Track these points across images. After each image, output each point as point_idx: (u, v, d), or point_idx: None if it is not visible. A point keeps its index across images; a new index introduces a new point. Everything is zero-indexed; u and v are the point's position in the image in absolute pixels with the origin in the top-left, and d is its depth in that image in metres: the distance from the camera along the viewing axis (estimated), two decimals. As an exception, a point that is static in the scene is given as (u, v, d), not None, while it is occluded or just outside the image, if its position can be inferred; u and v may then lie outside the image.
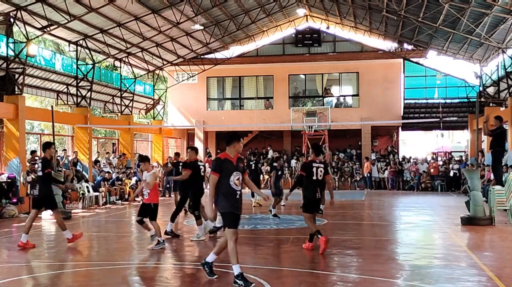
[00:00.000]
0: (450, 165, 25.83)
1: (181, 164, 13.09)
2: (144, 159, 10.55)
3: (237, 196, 6.66)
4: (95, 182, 19.75)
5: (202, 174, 11.23)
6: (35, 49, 18.98)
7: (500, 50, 20.75)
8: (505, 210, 12.85)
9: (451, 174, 25.23)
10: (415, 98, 29.95)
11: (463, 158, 27.16)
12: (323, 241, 8.72)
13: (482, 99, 23.47)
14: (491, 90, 25.02)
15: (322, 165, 9.02)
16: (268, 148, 29.63)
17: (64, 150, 21.36)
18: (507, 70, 21.29)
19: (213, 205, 6.60)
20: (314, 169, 8.91)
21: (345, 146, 29.70)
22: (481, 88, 24.58)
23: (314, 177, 8.91)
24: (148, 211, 9.82)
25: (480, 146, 17.59)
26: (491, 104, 23.43)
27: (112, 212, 16.62)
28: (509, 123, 19.59)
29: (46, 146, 10.31)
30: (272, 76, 29.90)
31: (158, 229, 9.66)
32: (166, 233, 10.84)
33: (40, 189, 9.87)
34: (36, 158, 18.70)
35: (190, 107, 29.85)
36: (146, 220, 9.86)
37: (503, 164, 16.08)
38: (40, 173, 9.91)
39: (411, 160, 27.39)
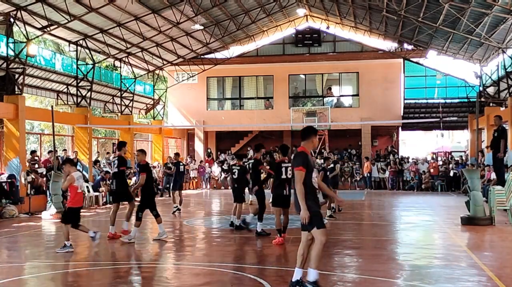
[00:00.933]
0: (450, 165, 25.85)
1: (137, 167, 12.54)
2: (66, 161, 10.13)
3: (317, 194, 6.18)
4: (95, 181, 19.75)
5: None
6: (35, 49, 18.98)
7: (500, 50, 20.75)
8: (505, 210, 12.85)
9: (451, 174, 25.24)
10: (415, 98, 29.95)
11: (463, 158, 27.17)
12: (280, 241, 9.81)
13: (482, 99, 23.47)
14: (491, 90, 25.02)
15: (290, 165, 9.55)
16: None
17: (64, 150, 21.38)
18: (507, 70, 21.29)
19: (306, 204, 5.83)
20: (283, 169, 9.82)
21: (345, 146, 29.70)
22: (481, 88, 24.58)
23: (283, 176, 9.81)
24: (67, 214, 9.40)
25: (480, 146, 17.61)
26: (491, 104, 23.43)
27: (112, 212, 16.58)
28: (509, 123, 19.59)
29: (121, 145, 11.63)
30: (272, 76, 29.90)
31: (67, 233, 9.24)
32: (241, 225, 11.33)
33: (117, 184, 10.97)
34: (36, 158, 18.73)
35: (190, 107, 29.85)
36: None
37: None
38: (115, 170, 10.99)
39: (410, 160, 27.39)
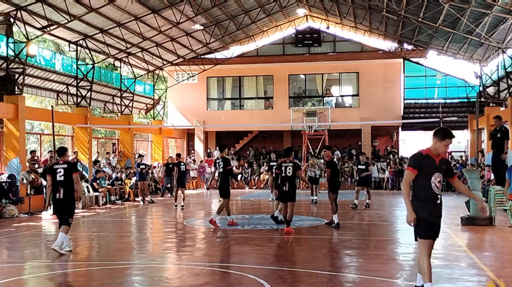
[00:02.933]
0: (450, 165, 25.84)
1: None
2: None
3: (438, 201, 5.55)
4: (93, 178, 19.74)
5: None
6: (35, 49, 18.97)
7: (500, 50, 20.75)
8: (505, 210, 12.85)
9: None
10: (415, 98, 29.95)
11: (463, 158, 27.16)
12: (290, 230, 11.12)
13: (482, 99, 23.47)
14: (491, 90, 25.02)
15: (291, 164, 11.37)
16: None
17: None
18: (507, 70, 21.29)
19: (410, 205, 5.50)
20: (283, 168, 11.37)
21: (345, 146, 29.70)
22: (481, 88, 24.57)
23: (283, 174, 11.32)
24: None
25: (480, 146, 17.60)
26: (491, 104, 23.43)
27: (112, 212, 16.62)
28: (509, 123, 19.59)
29: (223, 147, 12.96)
30: (272, 76, 29.90)
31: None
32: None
33: (222, 181, 12.49)
34: (36, 158, 18.73)
35: (190, 107, 29.85)
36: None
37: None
38: (221, 170, 12.49)
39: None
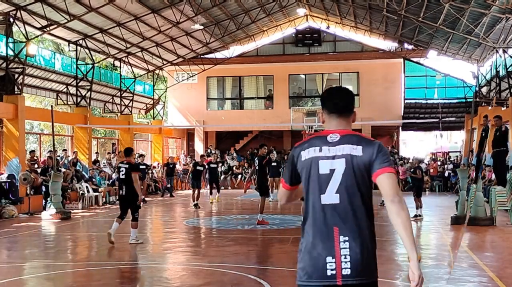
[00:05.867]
0: (445, 166, 25.92)
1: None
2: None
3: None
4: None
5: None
6: (34, 49, 18.95)
7: (495, 50, 20.77)
8: (506, 210, 12.83)
9: (446, 174, 25.32)
10: (415, 98, 29.93)
11: (458, 158, 27.19)
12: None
13: (477, 99, 23.46)
14: (484, 90, 25.07)
15: None
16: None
17: (65, 150, 21.34)
18: (497, 70, 21.34)
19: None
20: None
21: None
22: (477, 88, 24.59)
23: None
24: None
25: (471, 145, 17.63)
26: (483, 104, 23.43)
27: (112, 212, 16.58)
28: (510, 123, 19.57)
29: (261, 146, 13.23)
30: (272, 76, 29.88)
31: None
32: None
33: (258, 179, 12.89)
34: (35, 158, 18.71)
35: (190, 107, 29.82)
36: None
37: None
38: (257, 168, 12.83)
39: (411, 160, 27.32)
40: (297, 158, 2.77)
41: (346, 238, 2.61)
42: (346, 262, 2.59)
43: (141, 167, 19.95)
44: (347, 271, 2.57)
